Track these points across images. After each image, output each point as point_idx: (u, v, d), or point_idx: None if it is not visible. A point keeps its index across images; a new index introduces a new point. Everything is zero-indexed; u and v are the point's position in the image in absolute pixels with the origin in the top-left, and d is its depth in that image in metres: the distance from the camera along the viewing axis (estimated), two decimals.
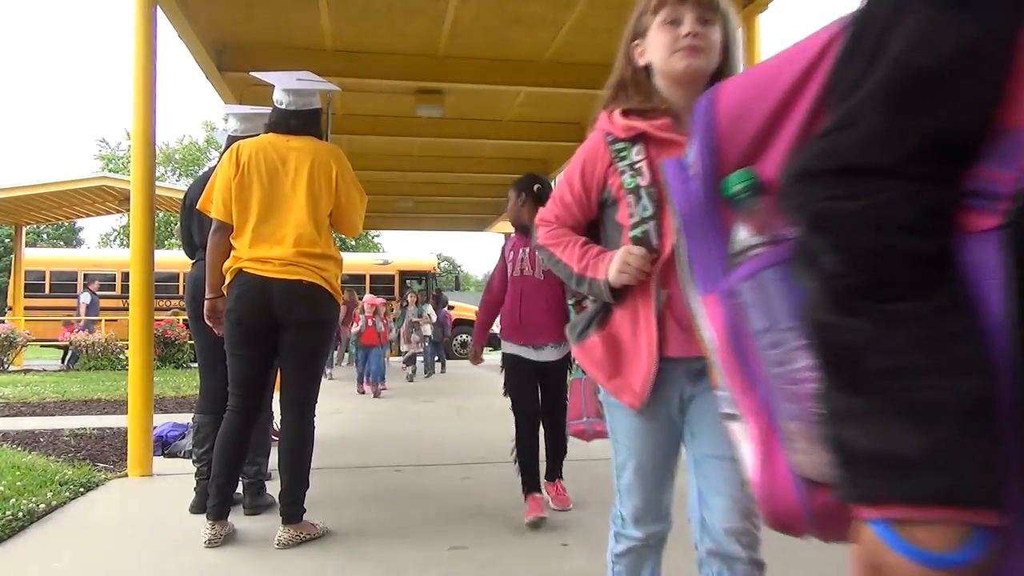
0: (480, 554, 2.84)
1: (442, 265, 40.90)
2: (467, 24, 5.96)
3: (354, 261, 19.52)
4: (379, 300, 10.47)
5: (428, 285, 18.89)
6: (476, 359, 3.73)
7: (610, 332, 1.52)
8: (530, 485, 3.35)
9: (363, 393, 9.47)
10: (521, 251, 3.44)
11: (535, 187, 3.43)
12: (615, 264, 1.46)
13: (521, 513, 3.26)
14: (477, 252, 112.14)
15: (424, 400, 8.65)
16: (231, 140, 3.40)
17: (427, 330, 12.36)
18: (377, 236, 38.51)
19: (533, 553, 2.87)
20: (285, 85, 3.06)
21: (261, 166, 2.95)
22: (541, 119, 8.55)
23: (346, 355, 14.55)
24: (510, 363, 3.45)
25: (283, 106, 3.07)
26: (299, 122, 3.05)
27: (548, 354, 3.39)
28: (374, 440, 5.77)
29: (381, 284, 18.78)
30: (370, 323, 9.84)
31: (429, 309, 12.93)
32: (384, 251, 36.16)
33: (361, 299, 11.07)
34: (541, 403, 3.47)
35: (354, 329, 10.14)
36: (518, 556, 2.83)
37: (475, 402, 8.40)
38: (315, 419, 3.07)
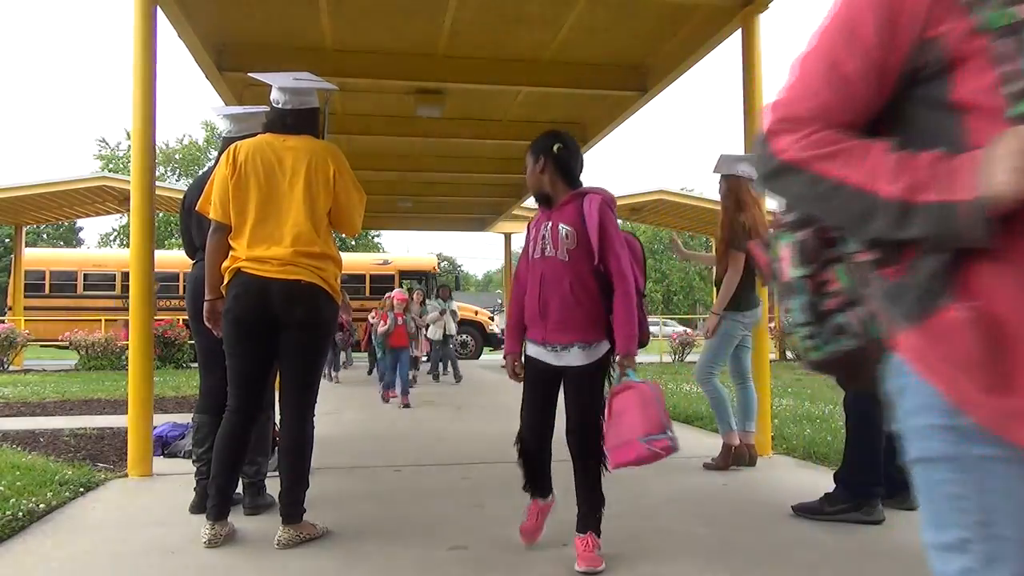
0: (480, 554, 2.84)
1: (442, 265, 40.91)
2: (467, 24, 5.96)
3: (354, 261, 19.51)
4: (405, 295, 8.95)
5: (428, 285, 18.88)
6: (512, 372, 2.92)
7: (982, 304, 0.85)
8: (531, 489, 2.88)
9: (387, 402, 8.27)
10: (543, 226, 2.80)
11: (555, 147, 2.82)
12: (1002, 161, 0.79)
13: (521, 513, 3.16)
14: (477, 252, 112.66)
15: (424, 400, 8.63)
16: (227, 142, 3.40)
17: (452, 328, 11.50)
18: (377, 236, 38.53)
19: (533, 553, 2.86)
20: (281, 84, 3.06)
21: (258, 166, 2.95)
22: (541, 119, 8.56)
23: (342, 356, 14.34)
24: (527, 366, 2.87)
25: (280, 105, 3.06)
26: (295, 121, 3.05)
27: (573, 357, 2.71)
28: (374, 440, 5.77)
29: (381, 284, 18.76)
30: (400, 321, 8.32)
31: (454, 306, 11.86)
32: (384, 251, 36.18)
33: (383, 297, 9.56)
34: (567, 423, 2.75)
35: (381, 328, 8.45)
36: (518, 556, 2.83)
37: (475, 402, 8.40)
38: (315, 419, 3.07)
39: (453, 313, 11.71)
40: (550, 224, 2.77)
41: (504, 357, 2.99)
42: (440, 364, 11.69)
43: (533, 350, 2.82)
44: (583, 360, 2.70)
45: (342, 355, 13.46)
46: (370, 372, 11.99)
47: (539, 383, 2.81)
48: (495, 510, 3.49)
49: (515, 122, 8.62)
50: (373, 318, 9.63)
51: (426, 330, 11.18)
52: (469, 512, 3.49)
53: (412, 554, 2.83)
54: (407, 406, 7.80)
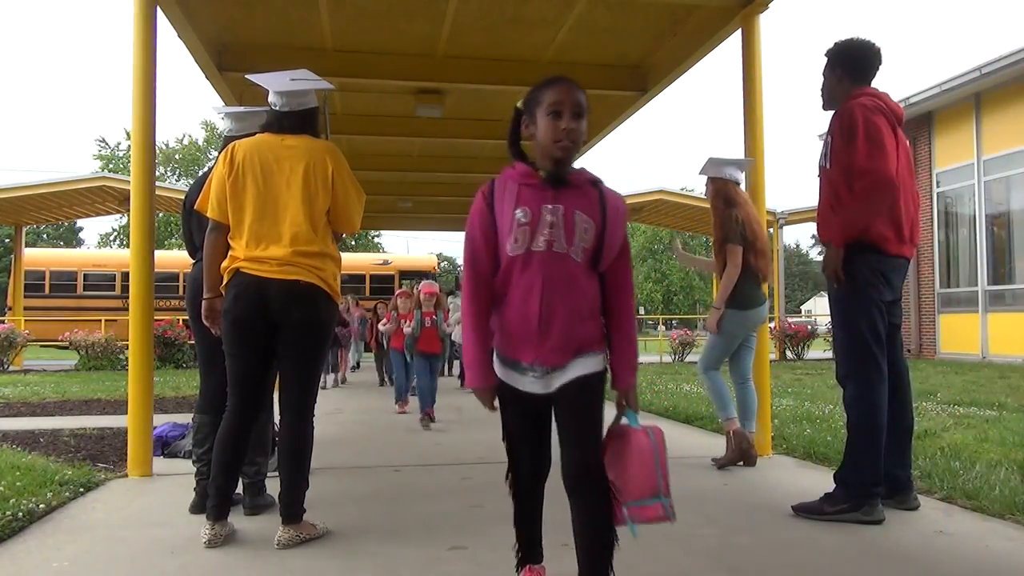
0: (480, 554, 2.84)
1: (442, 265, 40.93)
2: (467, 24, 5.96)
3: (354, 261, 19.55)
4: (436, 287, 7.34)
5: None
6: (483, 395, 2.17)
7: None
8: (526, 555, 2.26)
9: (404, 413, 7.35)
10: (548, 208, 1.99)
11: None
12: None
13: None
14: None
15: None
16: (227, 141, 3.40)
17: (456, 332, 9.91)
18: (377, 236, 38.58)
19: None
20: (277, 88, 3.05)
21: (255, 165, 2.95)
22: None
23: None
24: (505, 399, 2.14)
25: (277, 108, 3.07)
26: (292, 123, 3.04)
27: (571, 371, 2.01)
28: (374, 440, 5.77)
29: (381, 284, 18.76)
30: (428, 321, 6.80)
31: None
32: (384, 251, 36.21)
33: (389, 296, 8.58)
34: (561, 445, 2.05)
35: (405, 329, 7.05)
36: None
37: (475, 401, 8.37)
38: (315, 419, 3.06)
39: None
40: (561, 209, 1.99)
41: (474, 390, 2.15)
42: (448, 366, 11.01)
43: (512, 375, 2.09)
44: (585, 370, 2.00)
45: (353, 355, 12.86)
46: (382, 383, 10.93)
47: (527, 412, 2.13)
48: (495, 510, 3.48)
49: None
50: (385, 324, 8.39)
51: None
52: (469, 512, 3.49)
53: (412, 554, 2.83)
54: (430, 420, 6.54)
